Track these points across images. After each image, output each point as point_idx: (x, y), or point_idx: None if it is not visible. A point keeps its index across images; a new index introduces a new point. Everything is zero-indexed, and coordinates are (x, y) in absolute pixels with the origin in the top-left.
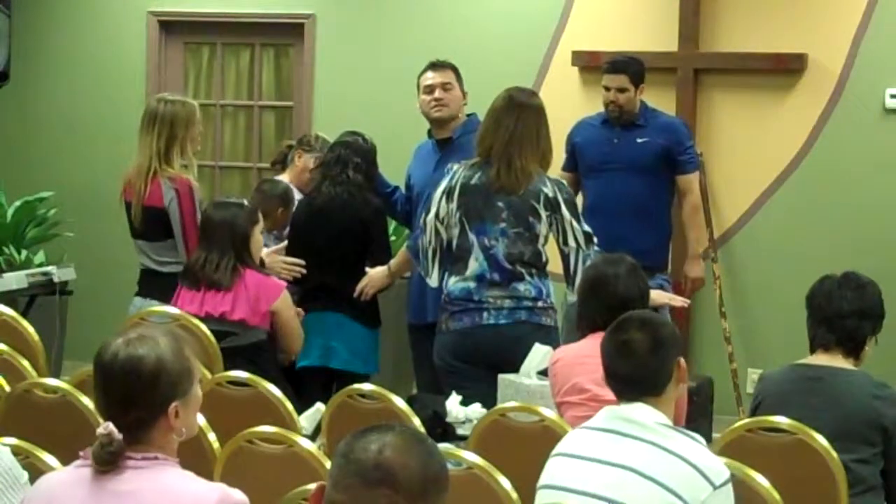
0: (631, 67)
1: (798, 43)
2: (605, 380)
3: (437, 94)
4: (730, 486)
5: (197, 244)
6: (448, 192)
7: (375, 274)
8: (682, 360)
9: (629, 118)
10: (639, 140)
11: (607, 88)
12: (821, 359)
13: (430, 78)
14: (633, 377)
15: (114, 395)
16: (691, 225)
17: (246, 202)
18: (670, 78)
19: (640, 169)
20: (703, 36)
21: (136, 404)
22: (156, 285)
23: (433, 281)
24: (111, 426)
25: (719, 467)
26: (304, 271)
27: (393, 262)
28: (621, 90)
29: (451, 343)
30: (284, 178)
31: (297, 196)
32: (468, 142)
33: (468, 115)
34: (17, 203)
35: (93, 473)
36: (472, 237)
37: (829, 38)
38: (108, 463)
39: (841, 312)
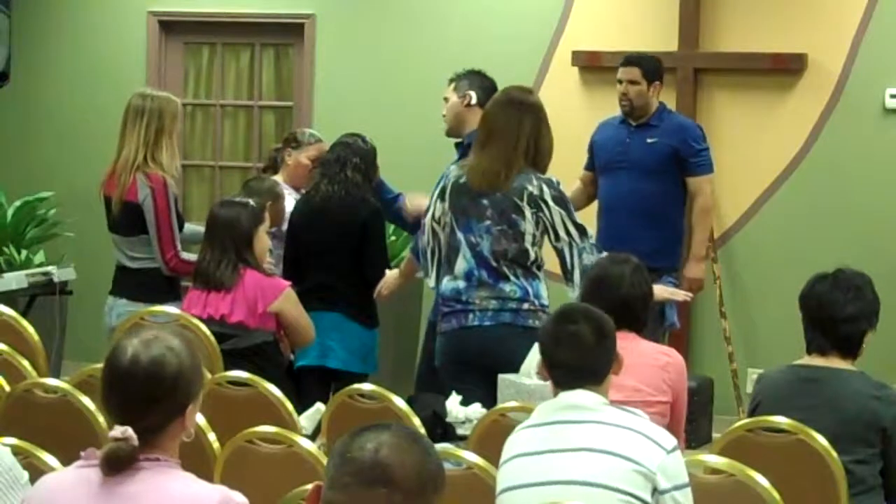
0: (644, 62)
1: (798, 43)
2: (547, 369)
3: (443, 110)
4: (679, 452)
5: (170, 241)
6: (441, 193)
7: (390, 276)
8: (619, 353)
9: (643, 116)
10: (649, 140)
11: (620, 82)
12: (818, 360)
13: None
14: (578, 366)
15: (135, 398)
16: (697, 227)
17: (251, 202)
18: (670, 78)
19: (648, 169)
20: (703, 36)
21: (157, 407)
22: (124, 282)
23: (431, 281)
24: (130, 430)
25: (666, 434)
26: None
27: (402, 265)
28: (633, 83)
29: (442, 345)
30: (278, 179)
31: (290, 195)
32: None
33: None
34: (17, 203)
35: (94, 475)
36: (459, 235)
37: (829, 38)
38: (122, 467)
39: (834, 318)
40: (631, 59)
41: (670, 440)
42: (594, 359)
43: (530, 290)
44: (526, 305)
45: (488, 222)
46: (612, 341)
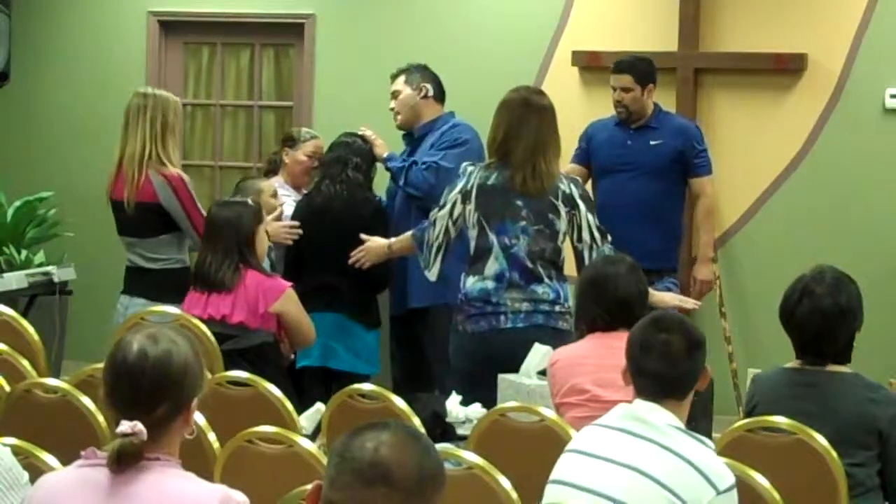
0: (636, 67)
1: (798, 43)
2: (631, 375)
3: (391, 105)
4: (734, 491)
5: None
6: (464, 195)
7: (374, 246)
8: (707, 367)
9: (640, 119)
10: (652, 142)
11: (614, 89)
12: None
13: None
14: (665, 378)
15: (145, 391)
16: (703, 228)
17: (250, 201)
18: (670, 78)
19: (652, 171)
20: (703, 36)
21: (165, 399)
22: (142, 283)
23: (432, 275)
24: (139, 424)
25: (724, 472)
26: (300, 231)
27: (395, 240)
28: (626, 90)
29: (468, 347)
30: (279, 179)
31: (290, 196)
32: (430, 137)
33: (446, 114)
34: (17, 203)
35: (95, 474)
36: (491, 237)
37: (829, 38)
38: (131, 463)
39: (820, 344)
40: (622, 66)
41: (726, 479)
42: (682, 371)
43: (561, 292)
44: (557, 307)
45: (524, 223)
46: (703, 355)
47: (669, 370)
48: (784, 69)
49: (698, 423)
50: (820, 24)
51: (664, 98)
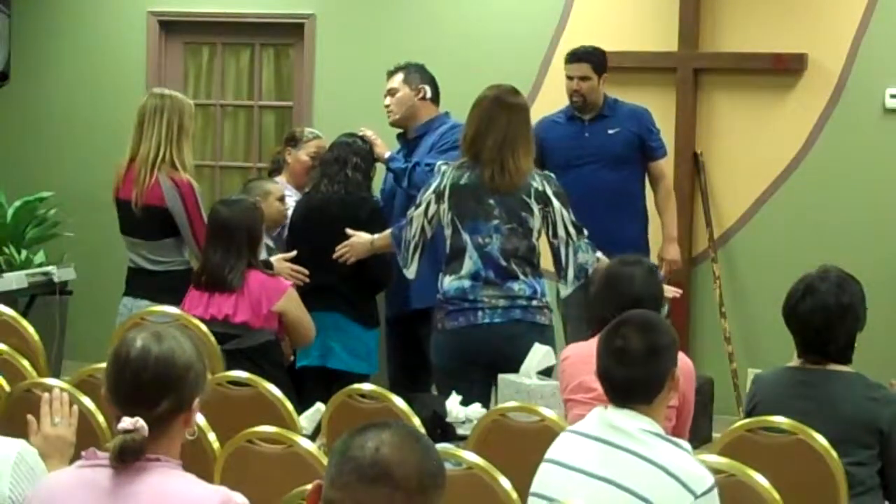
0: (593, 56)
1: (798, 43)
2: (599, 379)
3: (385, 101)
4: (714, 492)
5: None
6: (438, 194)
7: (358, 242)
8: (676, 371)
9: (594, 109)
10: (610, 131)
11: (570, 78)
12: (813, 364)
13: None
14: (624, 384)
15: (147, 385)
16: (666, 209)
17: (255, 200)
18: (670, 78)
19: (614, 159)
20: (703, 36)
21: (167, 396)
22: (146, 284)
23: (410, 273)
24: (140, 420)
25: (701, 475)
26: (307, 280)
27: (378, 237)
28: (584, 78)
29: (447, 343)
30: (282, 179)
31: (292, 196)
32: (428, 139)
33: (441, 114)
34: (17, 203)
35: (95, 474)
36: (465, 236)
37: (829, 38)
38: (133, 459)
39: (825, 343)
40: (579, 56)
41: (704, 482)
42: (640, 376)
43: (538, 287)
44: (535, 303)
45: (496, 221)
46: (665, 357)
47: (626, 375)
48: (784, 69)
49: (698, 422)
50: (820, 24)
51: (664, 98)
